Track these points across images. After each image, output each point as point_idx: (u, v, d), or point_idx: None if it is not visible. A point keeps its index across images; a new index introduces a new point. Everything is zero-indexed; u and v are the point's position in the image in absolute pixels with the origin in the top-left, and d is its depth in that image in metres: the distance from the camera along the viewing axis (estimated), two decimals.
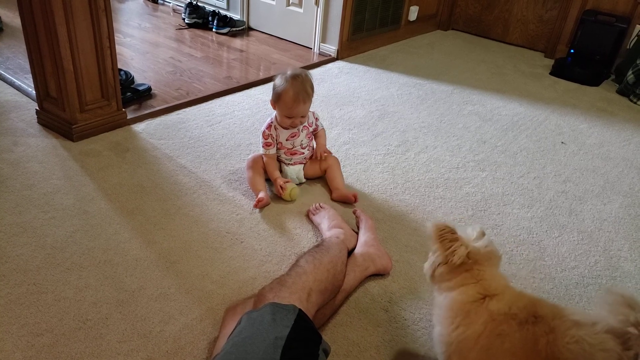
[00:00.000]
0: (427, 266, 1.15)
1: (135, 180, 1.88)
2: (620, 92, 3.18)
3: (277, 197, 1.85)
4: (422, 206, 1.90)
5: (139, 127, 2.25)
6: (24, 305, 1.33)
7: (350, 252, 1.55)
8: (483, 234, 1.13)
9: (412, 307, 1.44)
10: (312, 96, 1.83)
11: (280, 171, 1.92)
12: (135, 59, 2.98)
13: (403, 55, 3.52)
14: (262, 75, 2.89)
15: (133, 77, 2.53)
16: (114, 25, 2.05)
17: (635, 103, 3.06)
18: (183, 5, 3.79)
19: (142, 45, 3.23)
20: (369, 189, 1.97)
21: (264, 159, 1.89)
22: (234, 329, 1.11)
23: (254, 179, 1.85)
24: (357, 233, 1.67)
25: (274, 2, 3.47)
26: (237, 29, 3.60)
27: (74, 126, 2.06)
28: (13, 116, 2.23)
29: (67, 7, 1.84)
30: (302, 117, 1.83)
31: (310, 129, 1.93)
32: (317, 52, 3.35)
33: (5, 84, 2.52)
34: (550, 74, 3.42)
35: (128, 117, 2.25)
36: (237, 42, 3.44)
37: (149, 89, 2.54)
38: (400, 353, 1.30)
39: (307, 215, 1.77)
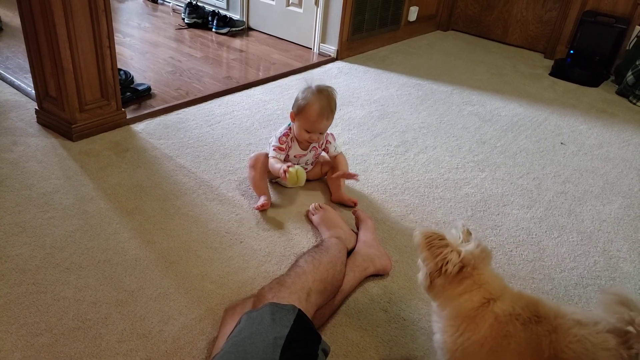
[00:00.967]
0: (421, 277, 1.10)
1: (135, 180, 1.88)
2: (620, 93, 3.18)
3: (278, 199, 1.85)
4: (421, 206, 1.90)
5: (138, 127, 2.25)
6: (23, 304, 1.33)
7: (350, 253, 1.55)
8: (469, 233, 1.10)
9: (412, 308, 1.44)
10: (335, 114, 1.79)
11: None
12: (134, 59, 2.98)
13: (403, 55, 3.52)
14: (261, 76, 2.89)
15: (132, 77, 2.53)
16: (114, 25, 2.05)
17: (634, 104, 3.06)
18: (183, 5, 3.79)
19: (142, 45, 3.23)
20: (369, 189, 1.97)
21: (270, 159, 1.80)
22: (233, 329, 1.11)
23: (256, 180, 1.82)
24: (357, 233, 1.67)
25: (273, 2, 3.47)
26: (237, 29, 3.60)
27: (73, 126, 2.05)
28: (12, 116, 2.23)
29: (66, 7, 1.84)
30: (321, 133, 1.79)
31: (319, 150, 1.89)
32: (317, 52, 3.35)
33: (5, 83, 2.52)
34: (550, 74, 3.43)
35: (127, 117, 2.25)
36: (237, 42, 3.44)
37: (149, 88, 2.54)
38: (399, 353, 1.30)
39: (307, 216, 1.77)
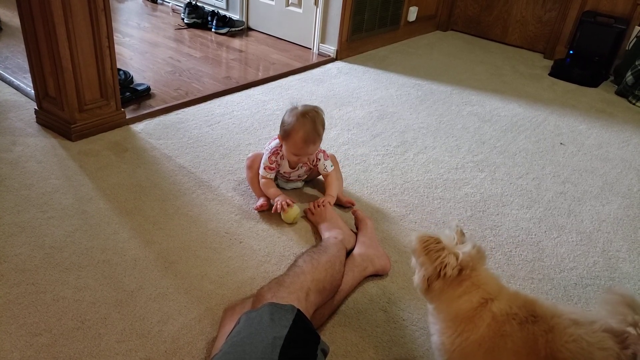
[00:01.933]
0: (417, 280, 1.09)
1: (134, 180, 1.88)
2: (619, 93, 3.18)
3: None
4: (421, 207, 1.90)
5: (137, 127, 2.25)
6: (22, 305, 1.33)
7: (349, 253, 1.55)
8: (462, 234, 1.10)
9: (411, 308, 1.44)
10: (323, 134, 1.72)
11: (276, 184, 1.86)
12: (134, 59, 2.98)
13: (402, 55, 3.52)
14: (261, 76, 2.89)
15: (132, 76, 2.53)
16: (113, 25, 2.05)
17: (634, 104, 3.06)
18: (182, 5, 3.79)
19: (141, 45, 3.23)
20: (368, 189, 1.97)
21: (261, 180, 1.79)
22: (232, 329, 1.11)
23: (254, 181, 1.82)
24: (356, 233, 1.67)
25: (273, 3, 3.47)
26: (236, 29, 3.60)
27: (72, 126, 2.05)
28: (12, 116, 2.23)
29: (66, 7, 1.84)
30: (310, 154, 1.76)
31: (311, 165, 1.84)
32: (317, 52, 3.35)
33: (4, 83, 2.52)
34: (549, 74, 3.43)
35: (127, 117, 2.25)
36: (236, 42, 3.44)
37: (148, 88, 2.53)
38: (398, 353, 1.30)
39: (306, 216, 1.77)
